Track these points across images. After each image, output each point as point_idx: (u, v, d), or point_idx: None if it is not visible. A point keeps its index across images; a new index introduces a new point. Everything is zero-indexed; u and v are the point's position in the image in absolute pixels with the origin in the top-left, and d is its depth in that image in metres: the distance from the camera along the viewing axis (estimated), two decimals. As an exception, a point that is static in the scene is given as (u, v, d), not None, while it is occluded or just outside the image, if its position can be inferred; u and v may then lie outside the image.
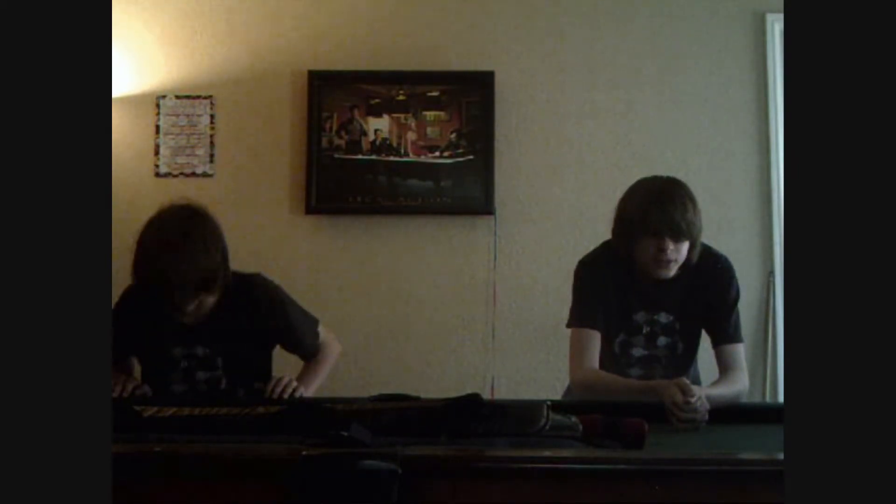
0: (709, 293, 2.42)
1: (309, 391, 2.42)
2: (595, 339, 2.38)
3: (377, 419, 1.50)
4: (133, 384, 2.34)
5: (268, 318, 2.40)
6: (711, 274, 2.42)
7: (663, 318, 2.42)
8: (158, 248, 2.20)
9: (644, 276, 2.39)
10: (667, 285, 2.39)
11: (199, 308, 2.26)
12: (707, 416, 2.02)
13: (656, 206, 2.30)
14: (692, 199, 2.34)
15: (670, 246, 2.29)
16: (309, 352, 2.52)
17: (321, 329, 2.55)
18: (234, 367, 2.40)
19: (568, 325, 2.48)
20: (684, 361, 2.46)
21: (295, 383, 2.36)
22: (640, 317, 2.42)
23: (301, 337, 2.49)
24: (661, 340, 2.42)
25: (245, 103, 3.85)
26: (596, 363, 2.37)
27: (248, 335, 2.39)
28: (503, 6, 3.87)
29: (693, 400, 2.01)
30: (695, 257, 2.37)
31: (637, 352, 2.43)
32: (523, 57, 3.85)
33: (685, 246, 2.33)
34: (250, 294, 2.38)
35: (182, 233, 2.23)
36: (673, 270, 2.34)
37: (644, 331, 2.42)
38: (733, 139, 3.81)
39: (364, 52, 3.85)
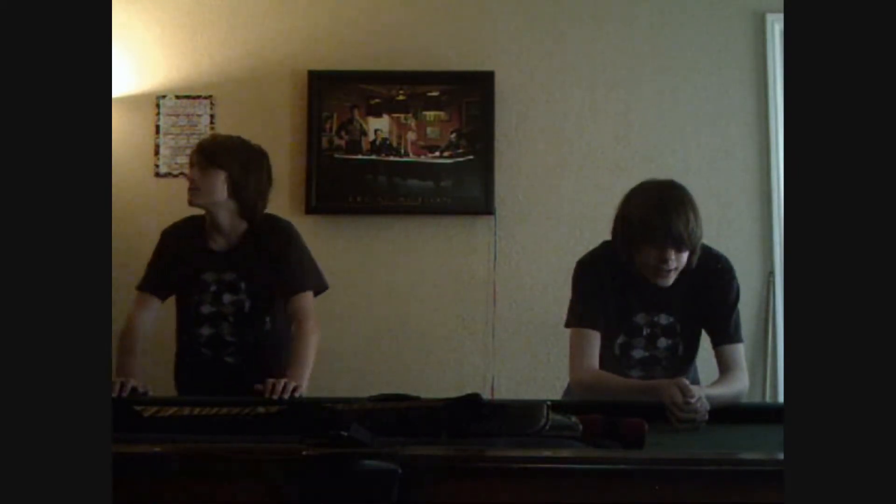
0: (709, 294, 2.42)
1: (303, 382, 2.49)
2: (595, 339, 2.37)
3: (377, 419, 1.50)
4: (133, 384, 2.34)
5: (279, 246, 2.69)
6: (712, 274, 2.42)
7: (664, 319, 2.42)
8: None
9: (644, 277, 2.39)
10: (667, 287, 2.39)
11: (201, 183, 2.64)
12: (707, 417, 2.02)
13: (659, 215, 2.27)
14: (693, 207, 2.32)
15: (672, 256, 2.29)
16: (289, 290, 2.67)
17: (308, 300, 2.69)
18: (256, 292, 2.69)
19: (567, 325, 2.48)
20: (685, 363, 2.47)
21: (293, 384, 2.36)
22: (640, 318, 2.41)
23: (291, 273, 2.68)
24: (662, 342, 2.42)
25: (245, 103, 3.85)
26: (596, 363, 2.37)
27: (267, 262, 2.68)
28: (503, 6, 3.87)
29: (693, 400, 2.01)
30: (694, 262, 2.36)
31: (637, 353, 2.43)
32: (523, 57, 3.85)
33: (685, 255, 2.32)
34: (273, 228, 2.73)
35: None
36: (673, 278, 2.34)
37: (644, 332, 2.42)
38: (733, 139, 3.81)
39: (364, 52, 3.85)
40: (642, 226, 2.30)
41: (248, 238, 2.70)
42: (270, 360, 2.66)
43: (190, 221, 2.78)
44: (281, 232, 2.73)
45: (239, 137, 2.80)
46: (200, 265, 2.70)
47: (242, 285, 2.68)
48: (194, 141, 3.80)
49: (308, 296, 2.70)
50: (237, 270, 2.68)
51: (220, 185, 2.65)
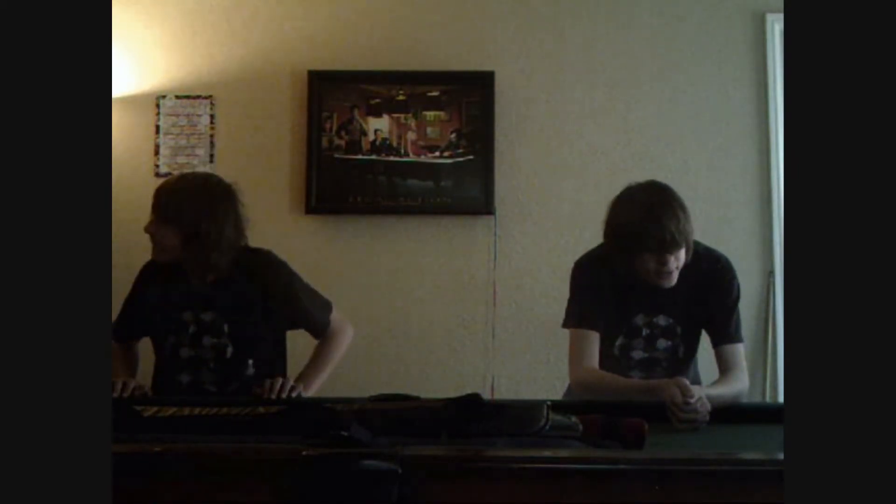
0: (709, 294, 2.41)
1: (312, 384, 2.44)
2: (594, 340, 2.37)
3: (377, 419, 1.50)
4: (133, 384, 2.34)
5: (272, 288, 2.50)
6: (712, 274, 2.42)
7: (663, 320, 2.41)
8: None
9: (643, 278, 2.39)
10: (666, 288, 2.39)
11: (156, 239, 2.45)
12: (708, 417, 2.02)
13: (652, 223, 2.27)
14: (681, 205, 2.32)
15: (671, 259, 2.30)
16: (318, 326, 2.55)
17: (335, 318, 2.58)
18: (239, 335, 2.49)
19: (564, 326, 2.47)
20: (684, 364, 2.46)
21: (292, 383, 2.35)
22: (639, 319, 2.41)
23: (307, 308, 2.54)
24: (661, 343, 2.42)
25: (245, 103, 3.85)
26: (595, 363, 2.37)
27: (254, 304, 2.49)
28: (503, 6, 3.87)
29: (693, 400, 2.01)
30: (689, 257, 2.36)
31: (637, 354, 2.42)
32: (523, 57, 3.86)
33: (682, 253, 2.33)
34: (257, 265, 2.52)
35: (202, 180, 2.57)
36: (674, 279, 2.34)
37: (643, 333, 2.42)
38: (733, 139, 3.81)
39: (364, 52, 3.85)
40: (636, 235, 2.30)
41: (231, 274, 2.48)
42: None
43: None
44: (271, 269, 2.53)
45: (199, 179, 2.59)
46: (179, 303, 2.50)
47: (224, 327, 2.49)
48: (194, 141, 3.83)
49: (333, 317, 2.58)
50: (218, 311, 2.48)
51: (176, 241, 2.44)
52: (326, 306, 2.60)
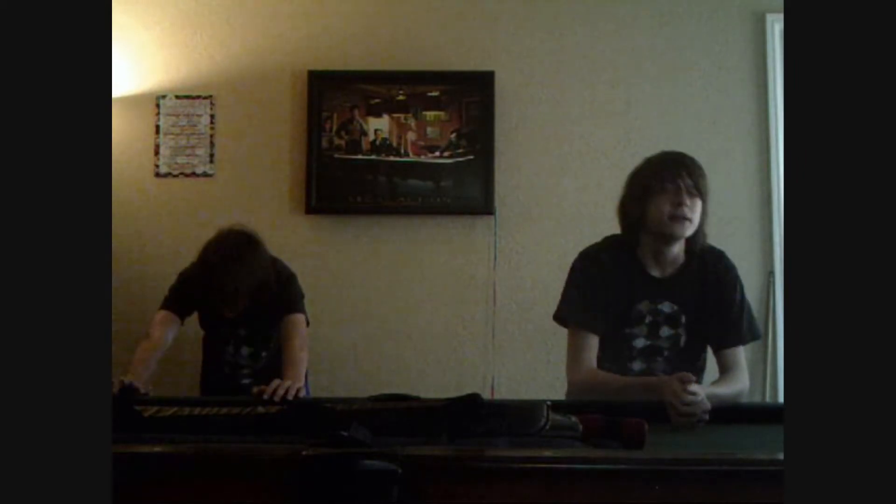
0: (714, 295, 2.40)
1: (301, 382, 2.59)
2: (594, 343, 2.36)
3: (377, 419, 1.50)
4: (134, 384, 2.35)
5: (279, 293, 2.93)
6: (715, 273, 2.41)
7: (667, 307, 2.39)
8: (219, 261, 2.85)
9: (650, 261, 2.37)
10: (672, 275, 2.39)
11: (240, 309, 2.89)
12: (708, 416, 2.02)
13: (671, 164, 2.37)
14: (700, 167, 2.39)
15: (687, 199, 2.32)
16: (287, 309, 2.92)
17: (301, 319, 2.94)
18: (264, 340, 3.02)
19: (557, 317, 2.45)
20: (688, 356, 2.43)
21: (297, 384, 2.37)
22: (642, 306, 2.39)
23: (291, 295, 2.96)
24: (665, 331, 2.40)
25: (245, 103, 3.85)
26: (594, 363, 2.35)
27: (271, 311, 2.92)
28: (503, 6, 3.87)
29: (693, 390, 2.01)
30: (701, 238, 2.39)
31: (639, 343, 2.40)
32: (523, 57, 3.86)
33: (698, 206, 2.35)
34: (277, 283, 2.94)
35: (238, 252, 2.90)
36: (689, 230, 2.34)
37: (647, 320, 2.39)
38: (733, 139, 3.82)
39: (364, 52, 3.85)
40: (656, 175, 2.36)
41: (253, 302, 2.89)
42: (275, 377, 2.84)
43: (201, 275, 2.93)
44: (278, 279, 2.95)
45: (241, 241, 2.93)
46: (217, 320, 2.99)
47: (257, 338, 3.02)
48: (194, 141, 3.83)
49: (300, 317, 2.92)
50: (248, 328, 3.01)
51: (249, 297, 2.89)
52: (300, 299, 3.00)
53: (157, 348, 2.81)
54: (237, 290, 2.81)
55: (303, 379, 2.71)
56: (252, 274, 2.84)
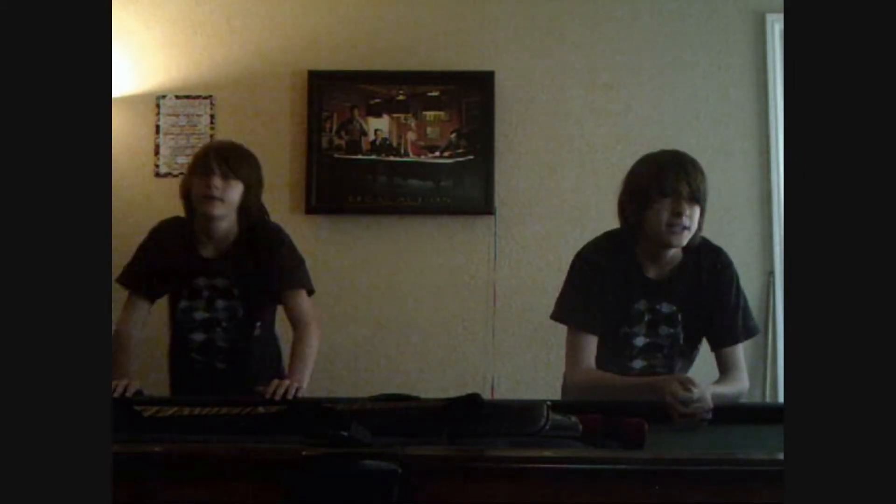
0: (711, 292, 2.40)
1: (304, 380, 2.49)
2: (593, 342, 2.36)
3: (377, 419, 1.50)
4: (135, 389, 2.35)
5: (271, 248, 2.68)
6: (712, 270, 2.41)
7: (665, 308, 2.39)
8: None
9: (649, 257, 2.37)
10: (669, 275, 2.38)
11: (223, 194, 2.57)
12: (709, 415, 2.01)
13: (674, 169, 2.31)
14: (702, 169, 2.35)
15: (686, 209, 2.28)
16: (285, 286, 2.68)
17: (306, 300, 2.70)
18: (248, 296, 2.67)
19: (555, 317, 2.44)
20: (686, 352, 2.44)
21: (296, 385, 2.36)
22: (641, 305, 2.38)
23: (284, 270, 2.68)
24: (664, 329, 2.40)
25: (245, 103, 3.85)
26: (593, 363, 2.35)
27: (260, 269, 2.66)
28: (503, 6, 3.87)
29: (694, 392, 2.00)
30: (699, 235, 2.36)
31: (639, 341, 2.40)
32: (523, 57, 3.86)
33: (697, 212, 2.32)
34: (264, 233, 2.71)
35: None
36: (685, 239, 2.32)
37: (645, 318, 2.39)
38: (733, 139, 3.81)
39: (364, 52, 3.85)
40: (655, 180, 2.31)
41: (238, 244, 2.67)
42: (259, 366, 2.68)
43: (178, 223, 2.72)
44: (272, 235, 2.71)
45: (240, 144, 2.75)
46: (192, 270, 2.66)
47: (235, 291, 2.66)
48: (194, 141, 3.82)
49: (303, 294, 2.69)
50: (229, 277, 2.65)
51: (237, 197, 2.62)
52: (303, 280, 2.73)
53: (122, 346, 2.60)
54: (224, 194, 2.56)
55: (306, 378, 2.54)
56: (254, 165, 2.66)
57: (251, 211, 2.66)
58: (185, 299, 2.67)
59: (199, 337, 2.68)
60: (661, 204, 2.29)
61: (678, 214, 2.28)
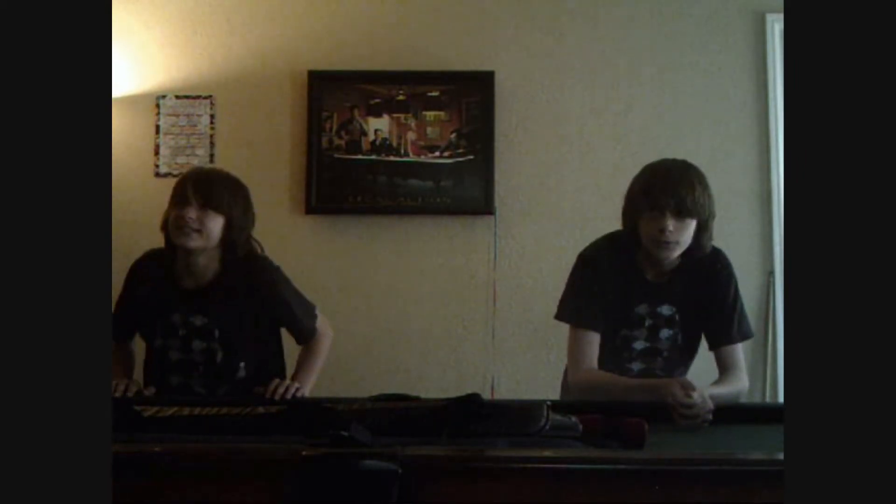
0: (709, 291, 2.41)
1: (306, 386, 2.45)
2: (595, 341, 2.36)
3: (377, 419, 1.50)
4: (135, 387, 2.34)
5: (264, 293, 2.50)
6: (710, 270, 2.41)
7: (666, 310, 2.39)
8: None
9: (649, 263, 2.38)
10: (669, 277, 2.38)
11: (200, 225, 2.39)
12: (711, 416, 2.02)
13: (661, 182, 2.29)
14: (702, 181, 2.31)
15: (670, 225, 2.25)
16: (305, 331, 2.57)
17: (318, 314, 2.61)
18: (230, 340, 2.47)
19: (558, 318, 2.45)
20: (685, 354, 2.45)
21: (296, 385, 2.36)
22: (642, 309, 2.39)
23: (296, 314, 2.54)
24: (664, 333, 2.41)
25: (245, 103, 3.85)
26: (595, 363, 2.36)
27: (245, 310, 2.48)
28: (503, 6, 3.87)
29: (695, 398, 2.01)
30: (706, 245, 2.34)
31: (639, 345, 2.41)
32: (523, 57, 3.86)
33: (690, 226, 2.28)
34: (250, 271, 2.49)
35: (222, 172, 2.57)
36: (675, 252, 2.31)
37: (646, 323, 2.40)
38: (733, 139, 3.81)
39: (364, 52, 3.85)
40: (644, 193, 2.31)
41: (222, 280, 2.46)
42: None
43: (159, 254, 2.54)
44: (262, 273, 2.51)
45: (226, 172, 2.56)
46: (168, 305, 2.47)
47: (215, 332, 2.46)
48: (194, 141, 3.83)
49: (319, 317, 2.60)
50: (209, 315, 2.46)
51: (218, 230, 2.41)
52: (312, 311, 2.59)
53: (122, 362, 2.52)
54: (204, 220, 2.38)
55: (309, 384, 2.47)
56: (238, 198, 2.45)
57: (237, 245, 2.45)
58: (159, 337, 2.48)
59: (174, 380, 2.48)
60: (649, 217, 2.29)
61: (662, 230, 2.27)
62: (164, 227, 2.47)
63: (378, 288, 3.81)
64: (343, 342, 3.72)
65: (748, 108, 3.82)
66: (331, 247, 3.81)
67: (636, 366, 2.41)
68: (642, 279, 2.39)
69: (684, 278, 2.39)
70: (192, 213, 2.38)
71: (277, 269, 2.55)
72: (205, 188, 2.42)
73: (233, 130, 3.85)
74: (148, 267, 2.55)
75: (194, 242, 2.39)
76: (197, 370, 2.48)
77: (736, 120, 3.82)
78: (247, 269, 2.49)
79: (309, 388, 2.48)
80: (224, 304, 2.46)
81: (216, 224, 2.40)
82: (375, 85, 3.82)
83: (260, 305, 2.50)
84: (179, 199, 2.41)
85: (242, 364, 2.50)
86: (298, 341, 2.59)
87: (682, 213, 2.26)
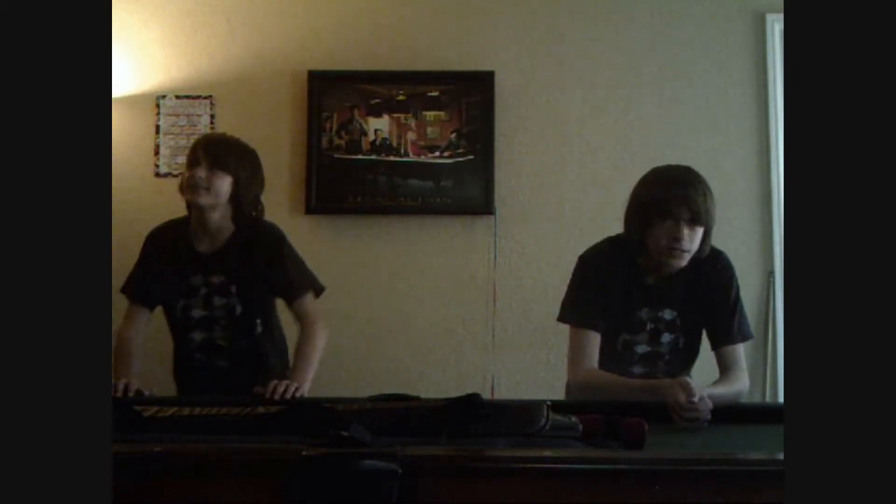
0: (710, 291, 2.41)
1: (305, 384, 2.48)
2: (595, 341, 2.37)
3: (377, 419, 1.50)
4: (135, 387, 2.35)
5: (265, 256, 2.67)
6: (712, 272, 2.42)
7: (667, 314, 2.40)
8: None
9: (651, 268, 2.38)
10: (670, 281, 2.39)
11: (209, 183, 2.58)
12: (710, 416, 2.02)
13: (677, 190, 2.29)
14: (708, 187, 2.33)
15: (686, 233, 2.27)
16: (292, 293, 2.69)
17: (312, 302, 2.71)
18: (246, 296, 2.67)
19: (561, 319, 2.45)
20: (686, 357, 2.45)
21: (296, 385, 2.37)
22: (643, 314, 2.40)
23: (289, 277, 2.68)
24: (665, 337, 2.41)
25: (245, 103, 3.85)
26: (595, 363, 2.36)
27: (257, 269, 2.67)
28: (503, 6, 3.87)
29: (696, 399, 2.01)
30: (706, 250, 2.35)
31: (640, 349, 2.41)
32: (523, 57, 3.86)
33: (699, 234, 2.31)
34: (261, 232, 2.71)
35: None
36: (685, 260, 2.32)
37: (648, 328, 2.40)
38: (733, 139, 3.81)
39: (364, 52, 3.85)
40: (657, 201, 2.30)
41: (235, 241, 2.67)
42: (263, 364, 2.68)
43: (175, 224, 2.74)
44: (270, 235, 2.70)
45: (235, 138, 2.76)
46: (188, 268, 2.66)
47: (233, 288, 2.65)
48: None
49: (310, 297, 2.69)
50: (226, 273, 2.65)
51: (226, 189, 2.61)
52: (308, 281, 2.72)
53: (123, 354, 2.61)
54: (220, 185, 2.58)
55: (308, 381, 2.54)
56: (245, 160, 2.65)
57: (244, 205, 2.65)
58: (182, 298, 2.67)
59: (198, 336, 2.68)
60: (662, 227, 2.29)
61: (677, 239, 2.28)
62: (181, 190, 2.66)
63: (378, 288, 3.81)
64: (343, 342, 3.73)
65: (748, 108, 3.82)
66: (331, 247, 3.81)
67: (637, 370, 2.41)
68: (643, 283, 2.39)
69: (685, 282, 2.39)
70: (201, 173, 2.59)
71: (282, 236, 2.71)
72: (213, 150, 2.63)
73: (233, 130, 3.80)
74: (165, 235, 2.73)
75: (204, 199, 2.59)
76: (219, 324, 2.68)
77: (736, 120, 3.82)
78: (256, 231, 2.69)
79: (307, 386, 2.51)
80: (238, 263, 2.65)
81: (224, 182, 2.60)
82: (375, 85, 3.82)
83: (264, 266, 2.66)
84: (191, 160, 2.63)
85: (259, 320, 2.70)
86: (289, 303, 2.70)
87: (695, 222, 2.29)
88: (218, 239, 2.66)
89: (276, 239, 2.70)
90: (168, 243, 2.71)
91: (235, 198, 2.64)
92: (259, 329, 2.70)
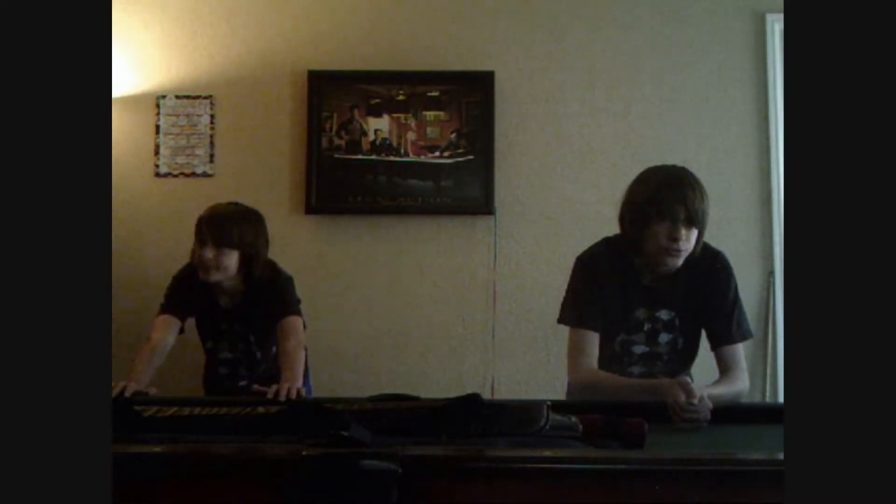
0: (709, 291, 2.41)
1: (297, 383, 2.58)
2: (594, 340, 2.37)
3: (377, 419, 1.50)
4: (135, 388, 2.35)
5: (276, 303, 2.89)
6: (710, 271, 2.42)
7: (664, 315, 2.41)
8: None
9: (647, 268, 2.38)
10: (667, 281, 2.39)
11: (217, 263, 2.79)
12: (710, 416, 2.02)
13: (673, 191, 2.29)
14: (702, 187, 2.33)
15: (683, 233, 2.28)
16: (286, 312, 2.89)
17: (297, 321, 2.90)
18: (261, 342, 2.97)
19: (560, 321, 2.46)
20: (685, 357, 2.46)
21: (297, 385, 2.38)
22: (640, 314, 2.41)
23: (286, 305, 2.89)
24: (663, 337, 2.42)
25: (245, 103, 3.85)
26: (595, 363, 2.36)
27: (268, 318, 2.88)
28: (503, 6, 3.87)
29: (695, 399, 2.01)
30: (698, 250, 2.36)
31: (638, 349, 2.42)
32: (523, 57, 3.86)
33: (695, 235, 2.32)
34: (271, 287, 2.90)
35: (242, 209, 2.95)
36: (681, 260, 2.32)
37: (645, 328, 2.41)
38: (733, 139, 3.82)
39: (364, 52, 3.85)
40: (654, 202, 2.30)
41: (249, 299, 2.91)
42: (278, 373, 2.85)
43: (195, 274, 2.90)
44: (276, 279, 2.92)
45: (239, 207, 2.93)
46: (214, 317, 2.96)
47: (251, 337, 2.96)
48: (194, 141, 3.82)
49: (299, 321, 2.88)
50: (244, 324, 2.94)
51: (234, 263, 2.82)
52: (296, 305, 2.94)
53: (157, 352, 2.77)
54: (229, 260, 2.79)
55: (300, 379, 2.67)
56: (248, 231, 2.84)
57: (254, 271, 2.86)
58: (211, 340, 3.01)
59: (223, 370, 3.04)
60: (659, 227, 2.30)
61: (674, 239, 2.28)
62: (193, 258, 2.88)
63: (378, 288, 3.81)
64: (343, 342, 3.74)
65: (748, 108, 3.82)
66: (331, 247, 3.81)
67: (636, 370, 2.42)
68: (640, 284, 2.40)
69: (683, 282, 2.39)
70: (209, 253, 2.79)
71: (289, 279, 2.94)
72: (217, 229, 2.81)
73: (233, 130, 3.85)
74: (192, 283, 2.91)
75: (214, 277, 2.82)
76: (241, 364, 3.00)
77: (736, 120, 3.82)
78: (267, 286, 2.90)
79: (300, 378, 2.69)
80: (253, 315, 2.92)
81: (231, 259, 2.81)
82: (375, 85, 3.82)
83: (274, 310, 2.88)
84: (198, 238, 2.83)
85: (269, 356, 2.97)
86: (281, 315, 2.89)
87: (692, 223, 2.29)
88: (234, 297, 2.92)
89: (282, 282, 2.92)
90: (195, 293, 2.91)
91: (244, 266, 2.85)
92: (265, 365, 2.98)
